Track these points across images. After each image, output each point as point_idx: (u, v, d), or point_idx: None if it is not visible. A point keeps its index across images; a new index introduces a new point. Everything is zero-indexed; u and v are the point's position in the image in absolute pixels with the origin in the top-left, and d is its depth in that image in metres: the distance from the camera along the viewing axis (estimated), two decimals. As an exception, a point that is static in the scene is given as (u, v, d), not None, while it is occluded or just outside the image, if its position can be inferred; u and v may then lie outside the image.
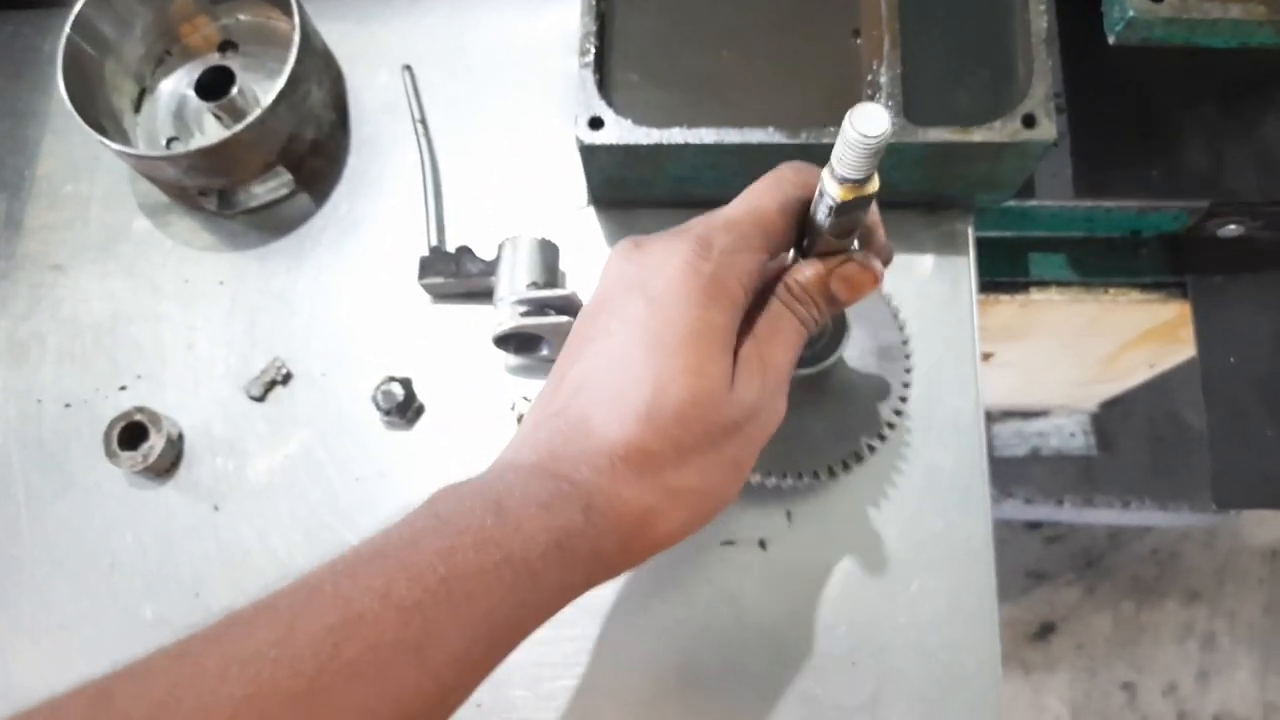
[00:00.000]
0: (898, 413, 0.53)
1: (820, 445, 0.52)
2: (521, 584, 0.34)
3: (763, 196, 0.38)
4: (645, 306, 0.37)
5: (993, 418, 1.36)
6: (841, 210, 0.36)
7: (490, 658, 0.35)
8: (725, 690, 0.55)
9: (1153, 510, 1.34)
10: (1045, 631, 1.51)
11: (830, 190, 0.35)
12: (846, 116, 0.32)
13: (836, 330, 0.47)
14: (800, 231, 0.40)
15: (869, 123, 0.32)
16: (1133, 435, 1.34)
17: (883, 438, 0.52)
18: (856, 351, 0.54)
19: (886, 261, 0.41)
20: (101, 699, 0.29)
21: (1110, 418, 1.34)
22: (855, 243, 0.41)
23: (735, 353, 0.38)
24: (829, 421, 0.52)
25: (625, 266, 0.39)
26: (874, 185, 0.35)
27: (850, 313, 0.49)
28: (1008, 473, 1.36)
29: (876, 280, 0.40)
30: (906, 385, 0.53)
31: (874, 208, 0.39)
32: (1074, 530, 1.54)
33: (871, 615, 0.55)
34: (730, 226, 0.38)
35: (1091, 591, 1.53)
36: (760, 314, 0.39)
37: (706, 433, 0.37)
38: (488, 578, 0.33)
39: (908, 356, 0.54)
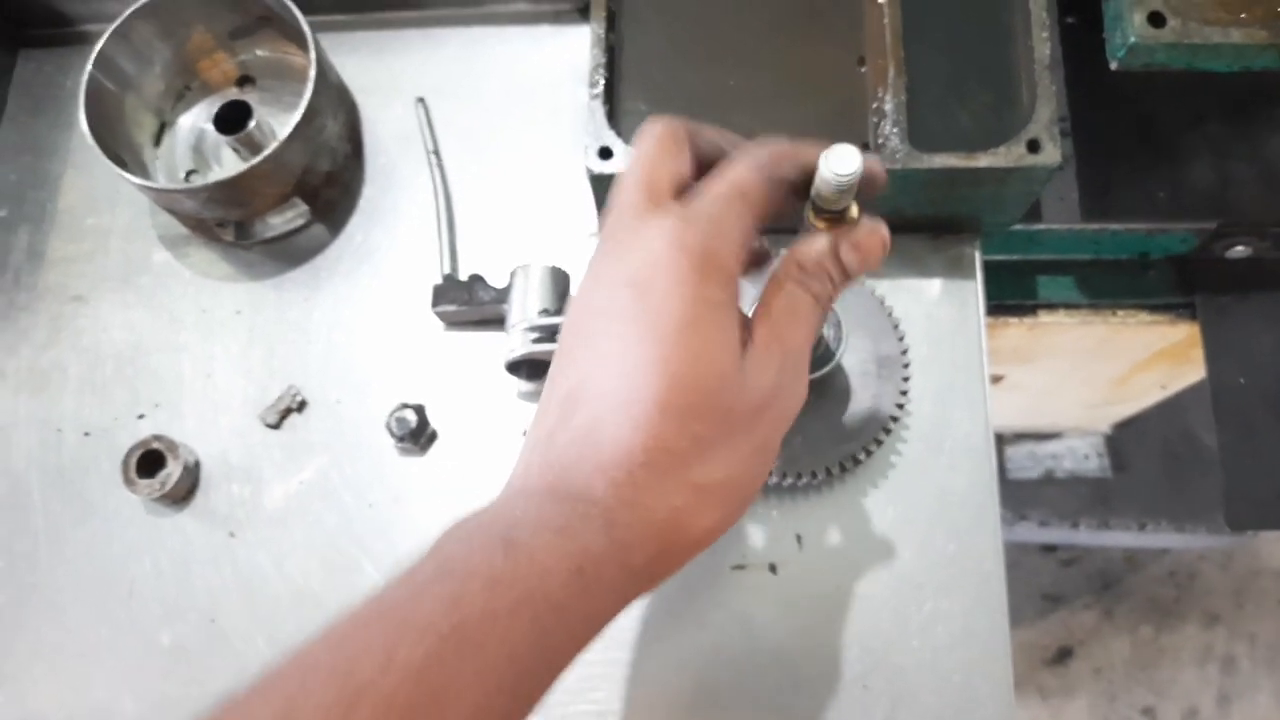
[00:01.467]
0: (894, 419, 0.55)
1: (818, 447, 0.54)
2: (543, 620, 0.31)
3: (737, 166, 0.37)
4: (634, 297, 0.34)
5: (1006, 440, 1.35)
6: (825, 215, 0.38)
7: (520, 703, 0.32)
8: (738, 713, 0.55)
9: (1169, 532, 1.33)
10: (1063, 656, 1.50)
11: (811, 222, 0.38)
12: (822, 157, 0.34)
13: (835, 335, 0.50)
14: (786, 204, 0.39)
15: (841, 162, 0.34)
16: (1147, 456, 1.33)
17: (879, 442, 0.54)
18: (856, 359, 0.55)
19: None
20: None
21: (1124, 439, 1.33)
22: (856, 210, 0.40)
23: (750, 335, 0.36)
24: (827, 424, 0.54)
25: (605, 259, 0.36)
26: (854, 213, 0.37)
27: (849, 321, 0.51)
28: (1022, 495, 1.35)
29: (885, 245, 0.38)
30: (904, 393, 0.55)
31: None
32: (1090, 553, 1.53)
33: (883, 638, 0.55)
34: (708, 192, 0.36)
35: (1109, 615, 1.51)
36: (773, 295, 0.37)
37: (726, 420, 0.34)
38: (503, 622, 0.31)
39: (906, 365, 0.56)
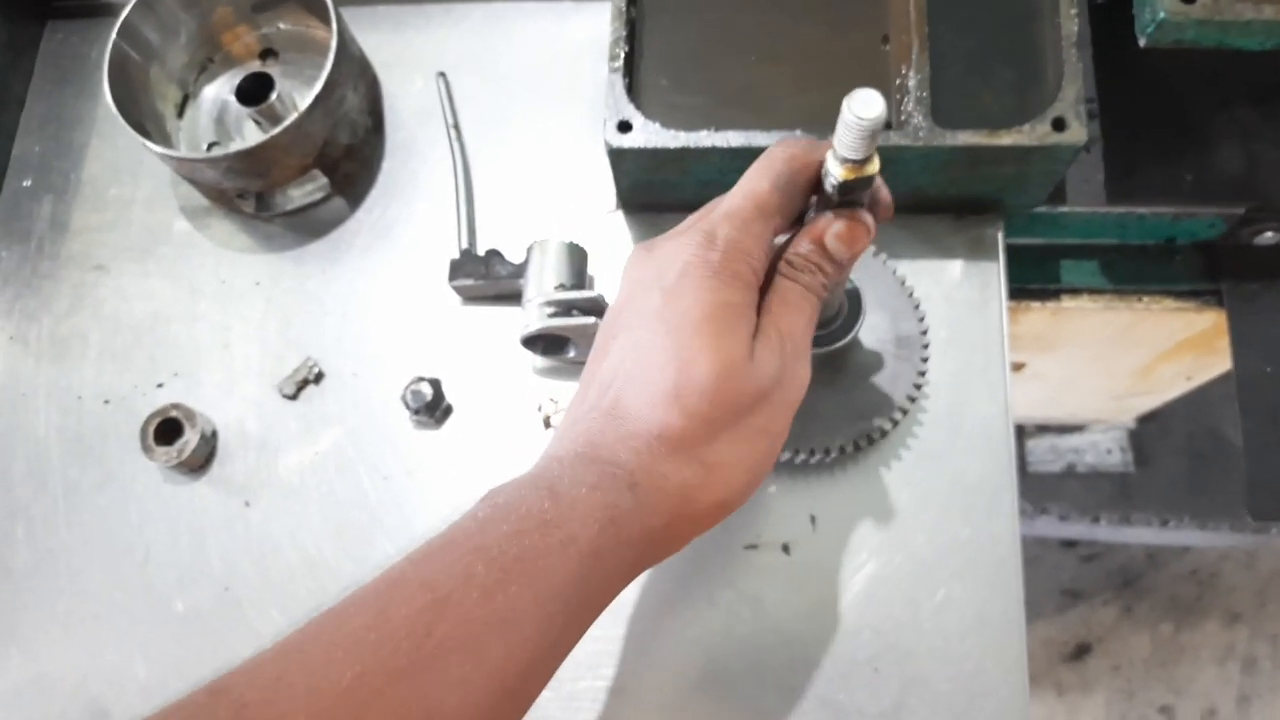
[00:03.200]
0: (911, 399, 0.54)
1: (834, 424, 0.54)
2: (586, 562, 0.36)
3: (756, 180, 0.40)
4: (662, 298, 0.39)
5: (1027, 433, 1.34)
6: (845, 190, 0.38)
7: (568, 634, 0.37)
8: (747, 693, 0.55)
9: (1191, 529, 1.31)
10: (1081, 652, 1.49)
11: (834, 170, 0.37)
12: (845, 101, 0.34)
13: (852, 312, 0.49)
14: (806, 204, 0.42)
15: (865, 106, 0.34)
16: (1171, 452, 1.31)
17: (895, 421, 0.54)
18: (875, 337, 0.55)
19: (887, 215, 0.42)
20: (218, 689, 0.32)
21: (1148, 433, 1.31)
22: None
23: (756, 327, 0.40)
24: (843, 400, 0.54)
25: (640, 268, 0.41)
26: (875, 165, 0.37)
27: (870, 300, 0.51)
28: (1043, 489, 1.34)
29: (868, 231, 0.41)
30: (922, 374, 0.54)
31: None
32: (1111, 549, 1.51)
33: (895, 621, 0.55)
34: (730, 215, 0.40)
35: (1129, 611, 1.50)
36: (769, 289, 0.41)
37: (734, 404, 0.39)
38: (555, 557, 0.36)
39: (925, 346, 0.55)
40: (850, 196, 0.39)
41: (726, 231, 0.39)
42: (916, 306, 0.56)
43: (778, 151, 0.41)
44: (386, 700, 0.32)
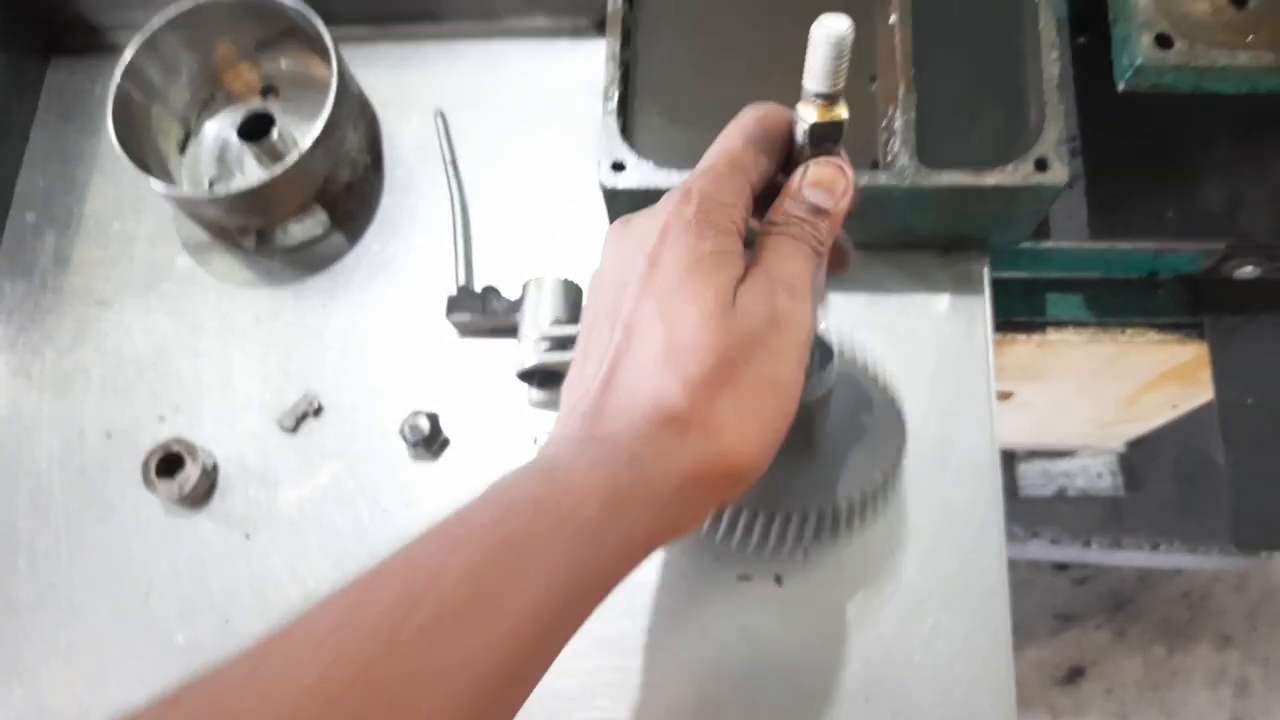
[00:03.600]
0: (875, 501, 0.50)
1: (804, 497, 0.49)
2: (583, 543, 0.35)
3: (728, 139, 0.40)
4: (647, 264, 0.38)
5: (1018, 457, 1.35)
6: (817, 137, 0.39)
7: (562, 623, 0.35)
8: (741, 723, 0.55)
9: (1182, 553, 1.32)
10: (1074, 675, 1.49)
11: (805, 116, 0.38)
12: (812, 27, 0.36)
13: (820, 361, 0.46)
14: (782, 161, 0.41)
15: (833, 21, 0.35)
16: (1161, 476, 1.32)
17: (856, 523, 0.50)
18: (854, 424, 0.52)
19: (847, 262, 0.43)
20: (171, 701, 0.30)
21: (1138, 458, 1.32)
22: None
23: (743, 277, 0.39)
24: (814, 472, 0.50)
25: (621, 239, 0.40)
26: (843, 110, 0.38)
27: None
28: (1034, 513, 1.35)
29: (844, 173, 0.40)
30: (892, 475, 0.51)
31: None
32: (1103, 572, 1.52)
33: (886, 651, 0.56)
34: (704, 173, 0.39)
35: (1122, 634, 1.50)
36: (758, 248, 0.40)
37: (724, 355, 0.36)
38: (546, 539, 0.34)
39: (898, 449, 0.52)
40: (823, 147, 0.40)
41: (701, 186, 0.38)
42: (899, 415, 0.53)
43: (748, 111, 0.40)
44: (352, 699, 0.30)
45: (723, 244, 0.38)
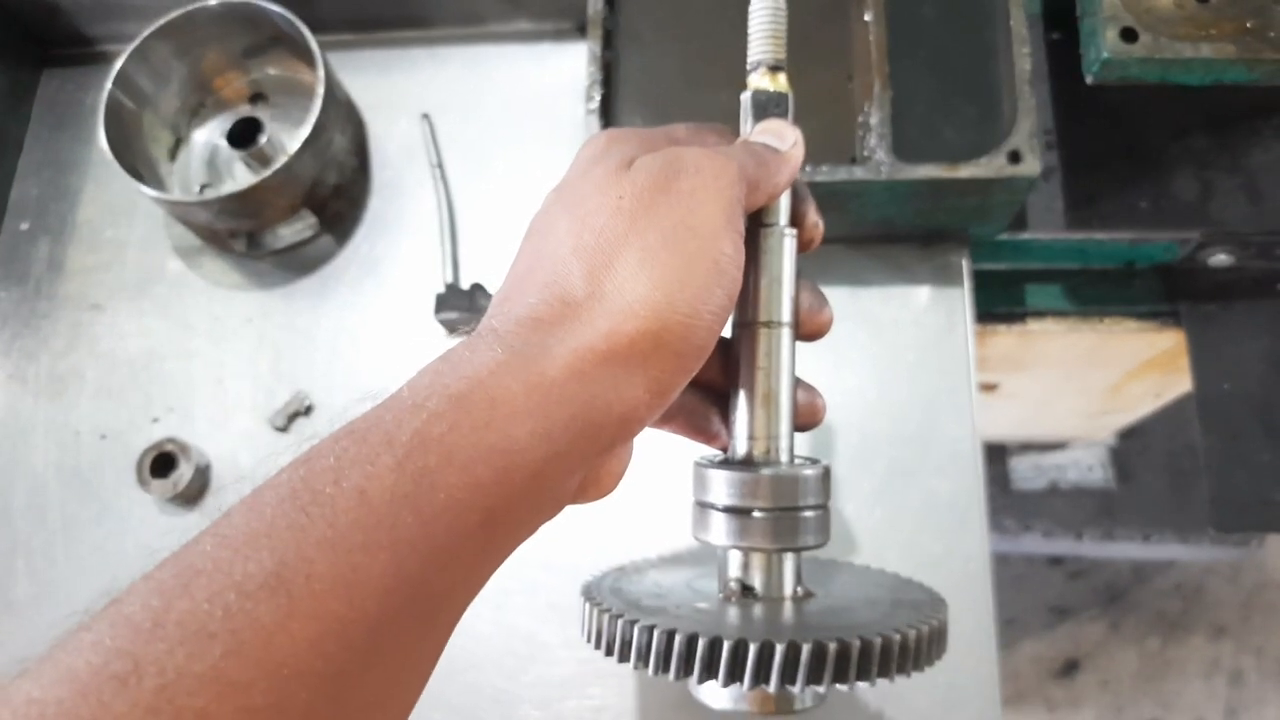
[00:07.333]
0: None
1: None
2: (425, 451, 0.29)
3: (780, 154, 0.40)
4: (556, 193, 0.38)
5: (1010, 451, 1.36)
6: (759, 106, 0.41)
7: (426, 580, 0.28)
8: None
9: (1174, 544, 1.33)
10: (1069, 668, 1.50)
11: (750, 83, 0.41)
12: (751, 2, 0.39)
13: None
14: None
15: None
16: (1152, 468, 1.33)
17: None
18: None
19: (813, 243, 0.41)
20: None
21: (1129, 450, 1.34)
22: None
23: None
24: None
25: (589, 146, 0.39)
26: (783, 81, 0.41)
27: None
28: (1026, 506, 1.36)
29: (791, 127, 0.40)
30: None
31: (807, 194, 0.41)
32: (1097, 565, 1.53)
33: (870, 636, 0.57)
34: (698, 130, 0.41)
35: (1116, 627, 1.51)
36: None
37: (617, 207, 0.34)
38: (374, 463, 0.29)
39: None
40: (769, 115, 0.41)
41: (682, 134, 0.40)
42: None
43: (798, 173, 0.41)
44: (141, 686, 0.23)
45: (623, 145, 0.37)
